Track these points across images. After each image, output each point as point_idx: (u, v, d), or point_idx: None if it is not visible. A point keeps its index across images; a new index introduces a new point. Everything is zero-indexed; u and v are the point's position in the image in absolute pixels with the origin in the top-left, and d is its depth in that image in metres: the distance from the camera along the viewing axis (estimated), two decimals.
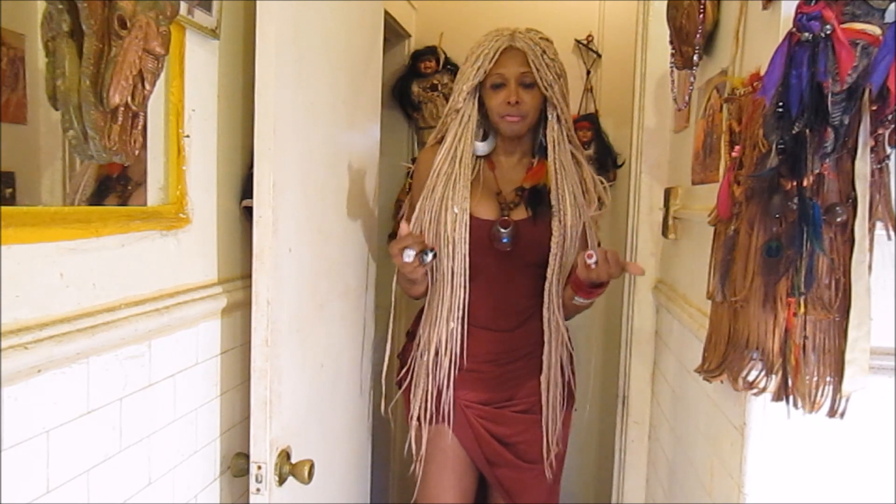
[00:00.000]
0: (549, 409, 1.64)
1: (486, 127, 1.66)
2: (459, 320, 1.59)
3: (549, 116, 1.62)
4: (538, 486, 1.68)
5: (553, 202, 1.59)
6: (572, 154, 1.64)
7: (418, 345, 1.67)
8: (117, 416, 0.96)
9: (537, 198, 1.61)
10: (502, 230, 1.57)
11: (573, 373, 1.73)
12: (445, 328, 1.60)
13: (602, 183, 1.68)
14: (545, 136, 1.63)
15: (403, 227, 1.44)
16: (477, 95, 1.62)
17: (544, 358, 1.63)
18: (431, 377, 1.62)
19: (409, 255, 1.39)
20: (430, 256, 1.42)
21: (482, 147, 1.66)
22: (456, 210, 1.57)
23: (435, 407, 1.63)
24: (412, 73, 2.65)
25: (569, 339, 1.71)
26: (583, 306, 1.61)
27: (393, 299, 1.67)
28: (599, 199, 1.65)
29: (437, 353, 1.61)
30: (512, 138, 1.64)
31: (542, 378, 1.64)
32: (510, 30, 1.59)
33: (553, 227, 1.59)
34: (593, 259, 1.39)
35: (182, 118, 1.10)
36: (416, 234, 1.48)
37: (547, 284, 1.61)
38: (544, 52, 1.57)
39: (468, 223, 1.57)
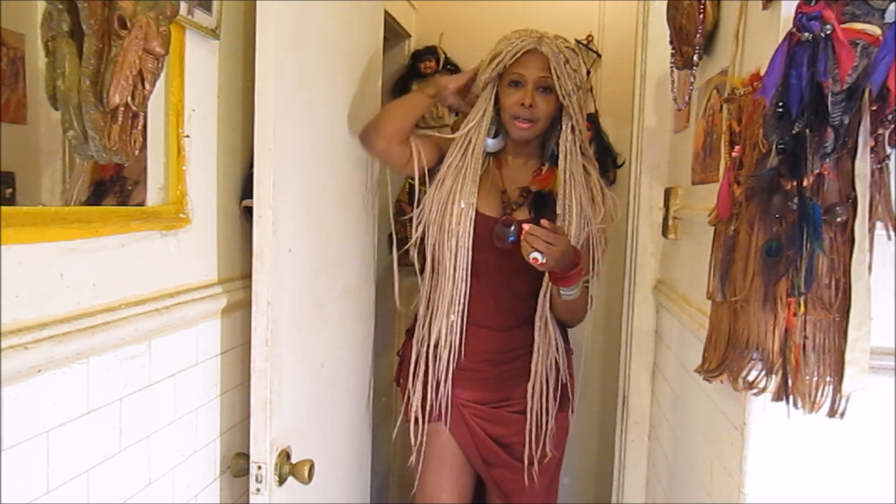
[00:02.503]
0: (532, 416, 1.63)
1: (498, 125, 1.66)
2: (460, 314, 1.59)
3: (564, 126, 1.60)
4: (534, 486, 1.67)
5: (559, 210, 1.59)
6: (584, 166, 1.63)
7: (417, 340, 1.67)
8: (117, 416, 0.96)
9: (542, 202, 1.61)
10: (506, 228, 1.57)
11: (571, 376, 1.72)
12: (445, 321, 1.59)
13: (613, 199, 1.66)
14: (557, 143, 1.63)
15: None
16: (494, 90, 1.62)
17: (532, 365, 1.63)
18: (431, 370, 1.62)
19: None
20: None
21: (492, 144, 1.66)
22: (462, 205, 1.57)
23: (432, 403, 1.63)
24: (412, 73, 2.65)
25: (566, 342, 1.71)
26: (577, 301, 1.57)
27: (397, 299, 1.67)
28: (606, 209, 1.64)
29: (436, 346, 1.61)
30: (520, 141, 1.64)
31: (529, 385, 1.63)
32: (539, 32, 1.57)
33: None
34: (539, 261, 1.38)
35: (182, 118, 1.10)
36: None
37: (542, 291, 1.60)
38: (567, 61, 1.55)
39: (473, 218, 1.57)
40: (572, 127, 1.60)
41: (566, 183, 1.59)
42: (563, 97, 1.56)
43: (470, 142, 1.61)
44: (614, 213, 1.65)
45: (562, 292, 1.54)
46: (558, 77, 1.54)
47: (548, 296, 1.60)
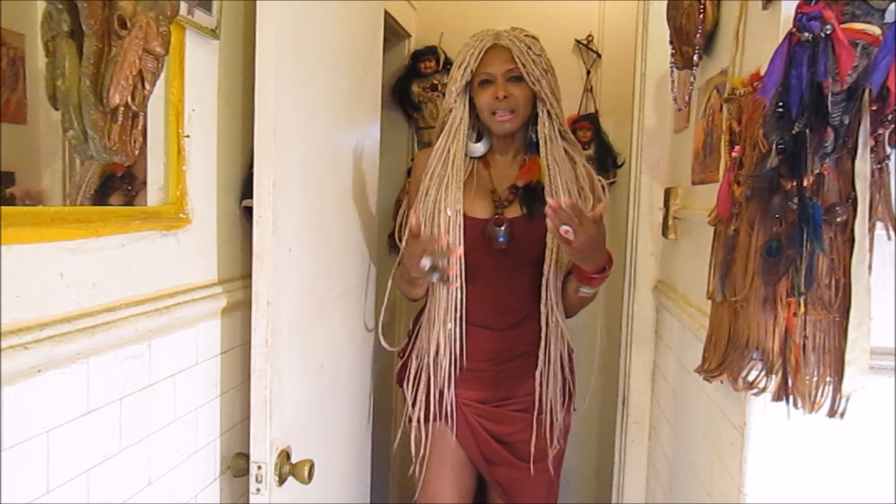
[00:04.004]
0: (545, 406, 1.64)
1: (480, 128, 1.67)
2: (457, 321, 1.59)
3: (540, 112, 1.61)
4: (536, 485, 1.68)
5: (547, 198, 1.59)
6: (566, 150, 1.63)
7: (415, 344, 1.67)
8: (117, 416, 0.96)
9: (531, 195, 1.61)
10: (497, 229, 1.57)
11: (572, 371, 1.73)
12: (443, 329, 1.60)
13: (600, 181, 1.67)
14: (536, 132, 1.63)
15: (413, 220, 1.43)
16: (467, 96, 1.62)
17: (540, 354, 1.63)
18: (432, 378, 1.62)
19: (425, 263, 1.37)
20: (434, 277, 1.39)
21: (477, 148, 1.67)
22: (450, 213, 1.57)
23: (434, 406, 1.63)
24: (412, 73, 2.65)
25: (568, 337, 1.71)
26: (588, 297, 1.61)
27: (386, 296, 1.67)
28: (596, 196, 1.64)
29: (436, 354, 1.61)
30: (505, 137, 1.64)
31: (538, 373, 1.64)
32: (494, 30, 1.60)
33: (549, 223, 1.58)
34: (570, 234, 1.34)
35: (182, 118, 1.10)
36: (433, 238, 1.44)
37: (544, 281, 1.60)
38: (529, 48, 1.57)
39: (462, 225, 1.58)
40: (548, 112, 1.61)
41: (550, 170, 1.59)
42: (533, 83, 1.57)
43: (449, 150, 1.61)
44: (603, 195, 1.66)
45: (581, 290, 1.56)
46: (524, 64, 1.56)
47: (549, 283, 1.60)
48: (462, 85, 1.60)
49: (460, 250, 1.52)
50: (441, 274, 1.38)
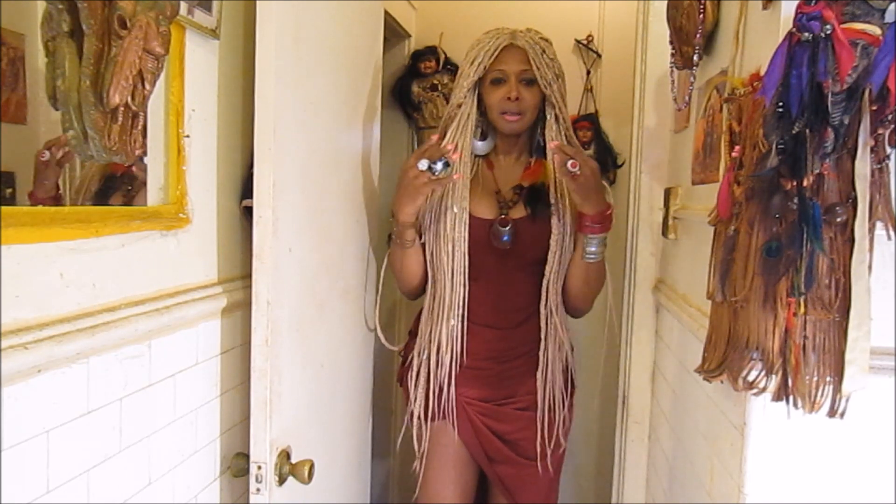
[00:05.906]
0: (545, 406, 1.64)
1: (485, 126, 1.67)
2: (460, 318, 1.60)
3: (548, 116, 1.62)
4: (538, 482, 1.68)
5: (552, 200, 1.59)
6: None
7: (418, 342, 1.67)
8: (117, 416, 0.96)
9: (536, 196, 1.62)
10: (501, 229, 1.57)
11: (573, 371, 1.73)
12: (446, 326, 1.60)
13: (605, 188, 1.67)
14: (543, 135, 1.64)
15: (433, 138, 1.43)
16: (476, 93, 1.62)
17: (541, 355, 1.64)
18: (432, 374, 1.62)
19: (423, 164, 1.38)
20: (439, 165, 1.38)
21: (481, 146, 1.67)
22: (455, 209, 1.57)
23: (436, 404, 1.63)
24: (412, 73, 2.65)
25: (569, 337, 1.72)
26: (595, 266, 1.58)
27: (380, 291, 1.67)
28: None
29: (438, 351, 1.61)
30: (510, 137, 1.65)
31: (539, 374, 1.64)
32: (510, 29, 1.60)
33: (552, 224, 1.59)
34: (577, 167, 1.39)
35: (182, 118, 1.10)
36: (442, 147, 1.45)
37: (545, 282, 1.61)
38: (544, 51, 1.58)
39: (467, 222, 1.58)
40: (556, 116, 1.61)
41: (556, 173, 1.59)
42: (545, 87, 1.58)
43: (456, 147, 1.61)
44: (608, 201, 1.66)
45: (587, 249, 1.55)
46: (538, 67, 1.56)
47: (550, 285, 1.60)
48: (473, 81, 1.60)
49: (456, 155, 1.48)
50: (444, 161, 1.39)
